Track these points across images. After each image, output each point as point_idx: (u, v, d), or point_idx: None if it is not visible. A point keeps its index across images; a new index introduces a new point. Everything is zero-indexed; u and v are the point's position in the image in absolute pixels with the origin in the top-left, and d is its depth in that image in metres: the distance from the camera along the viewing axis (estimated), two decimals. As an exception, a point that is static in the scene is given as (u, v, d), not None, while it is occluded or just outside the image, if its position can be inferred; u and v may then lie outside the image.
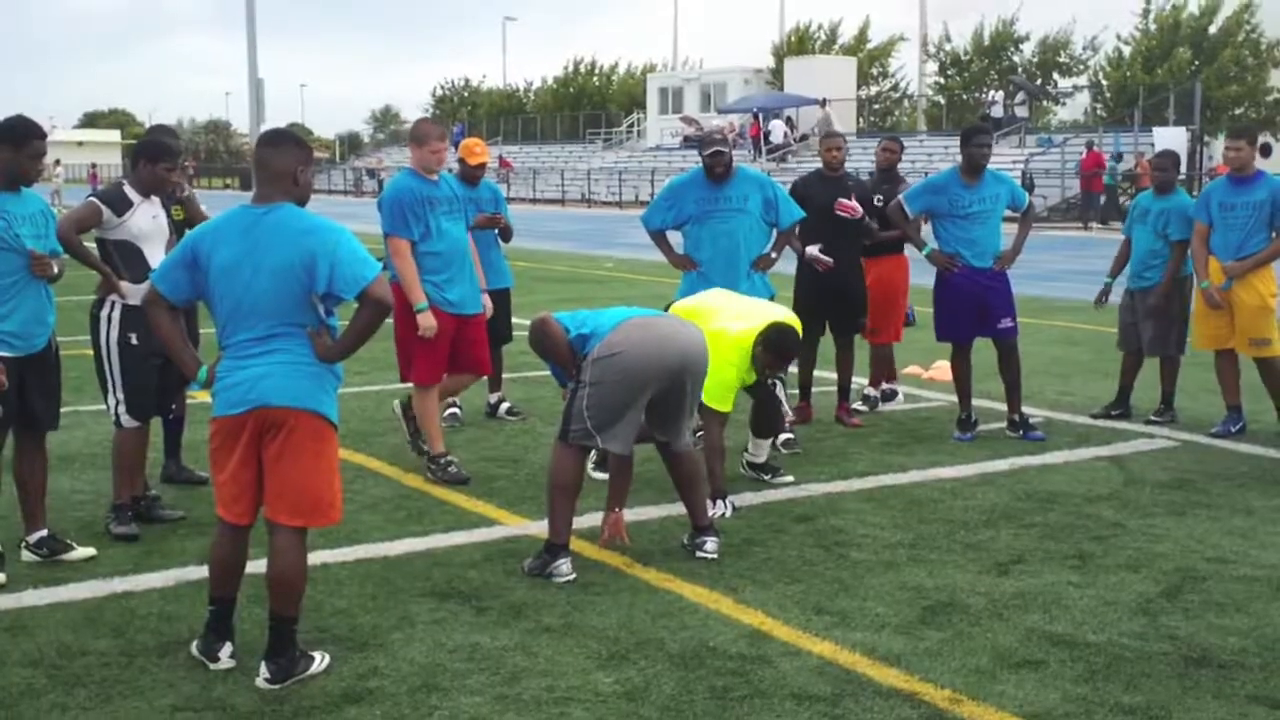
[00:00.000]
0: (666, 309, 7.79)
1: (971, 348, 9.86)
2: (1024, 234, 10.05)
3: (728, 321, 7.47)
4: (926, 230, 10.10)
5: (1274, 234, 9.47)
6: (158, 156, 7.16)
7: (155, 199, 7.24)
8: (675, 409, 6.68)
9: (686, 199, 9.20)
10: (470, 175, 10.06)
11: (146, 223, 7.11)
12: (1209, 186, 10.15)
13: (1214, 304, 9.66)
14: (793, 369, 9.66)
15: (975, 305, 9.65)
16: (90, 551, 6.74)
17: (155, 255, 7.06)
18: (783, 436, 9.07)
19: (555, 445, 6.62)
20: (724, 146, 9.13)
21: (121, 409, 7.13)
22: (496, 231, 10.22)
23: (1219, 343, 9.82)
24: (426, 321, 8.20)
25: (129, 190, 7.14)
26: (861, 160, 37.70)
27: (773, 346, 7.44)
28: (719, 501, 7.48)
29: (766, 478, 8.43)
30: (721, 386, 7.28)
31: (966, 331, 9.79)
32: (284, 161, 5.17)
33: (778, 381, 8.23)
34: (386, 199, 8.45)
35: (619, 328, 6.53)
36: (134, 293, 6.94)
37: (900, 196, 10.04)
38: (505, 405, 10.49)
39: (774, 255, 9.27)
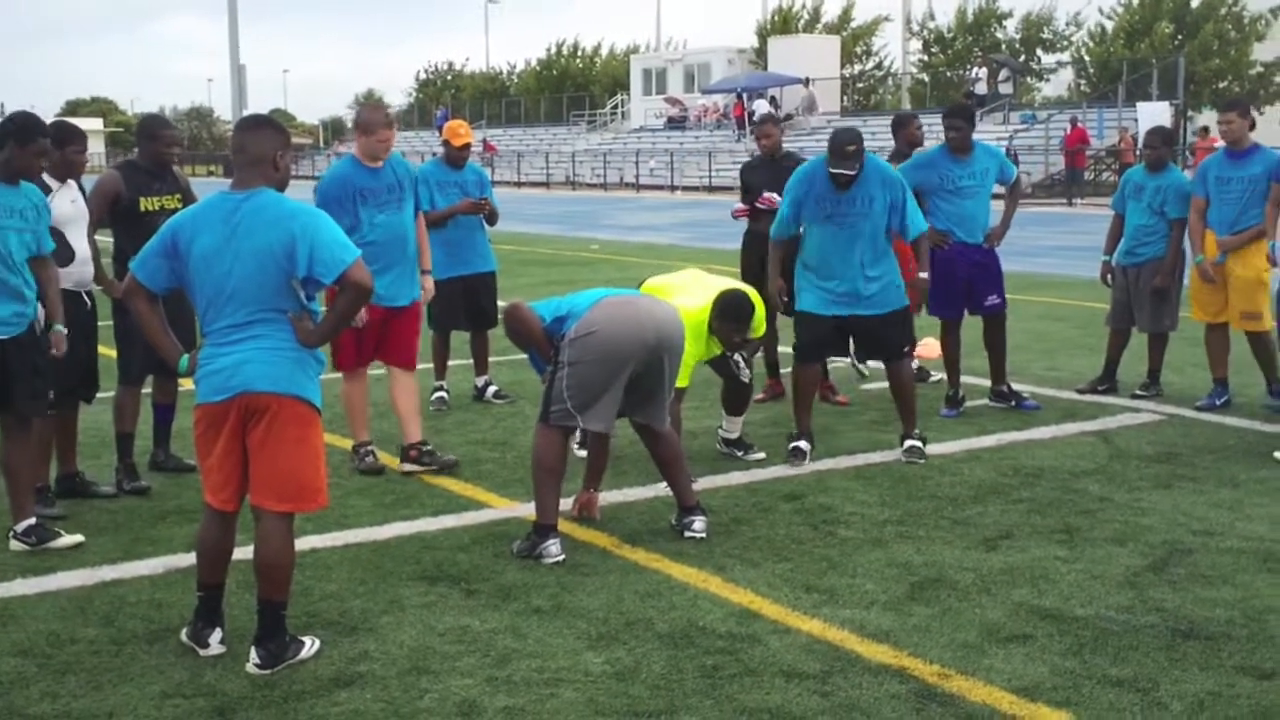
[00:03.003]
0: (639, 286, 7.89)
1: (961, 324, 9.87)
2: (1012, 209, 10.06)
3: (683, 298, 7.50)
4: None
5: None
6: (66, 140, 7.25)
7: (71, 183, 7.33)
8: (654, 387, 6.69)
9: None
10: (455, 157, 10.06)
11: (65, 207, 7.19)
12: (1206, 161, 10.11)
13: (1207, 278, 9.66)
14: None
15: (963, 281, 9.64)
16: (78, 539, 6.73)
17: (76, 238, 7.23)
18: (791, 445, 8.46)
19: (537, 427, 6.63)
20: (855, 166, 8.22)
21: None
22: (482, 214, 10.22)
23: (1214, 316, 9.83)
24: None
25: (46, 178, 7.16)
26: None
27: (725, 313, 7.53)
28: None
29: (740, 454, 8.46)
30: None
31: (958, 308, 9.79)
32: (263, 147, 5.16)
33: (741, 362, 8.18)
34: (320, 187, 8.28)
35: (595, 306, 6.54)
36: (59, 277, 7.04)
37: None
38: (492, 389, 10.48)
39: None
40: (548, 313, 6.65)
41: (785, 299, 8.68)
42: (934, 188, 9.60)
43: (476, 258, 10.14)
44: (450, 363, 10.44)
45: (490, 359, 10.63)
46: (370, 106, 8.87)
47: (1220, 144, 10.37)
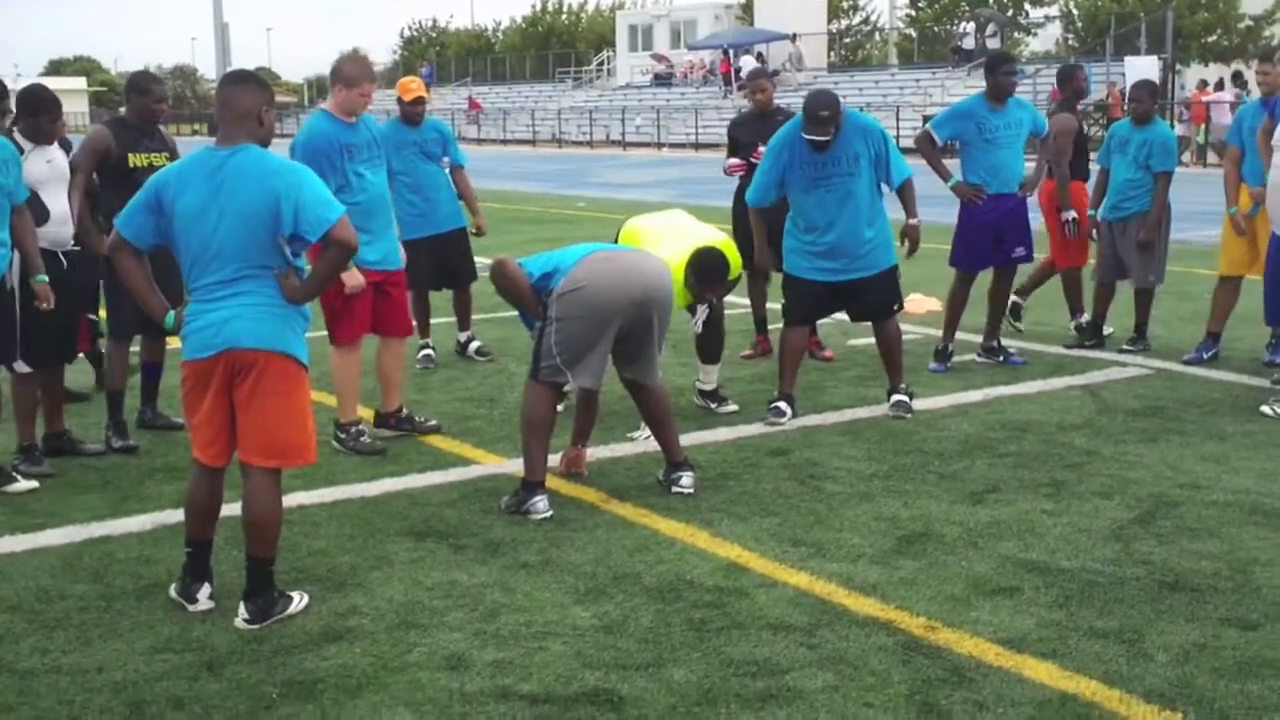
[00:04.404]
0: (621, 227, 7.87)
1: (975, 279, 9.85)
2: (1043, 161, 10.07)
3: (662, 247, 7.49)
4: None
5: None
6: (39, 110, 7.30)
7: (50, 145, 7.36)
8: (642, 343, 6.68)
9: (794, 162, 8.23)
10: (410, 114, 9.81)
11: (40, 168, 7.23)
12: (1241, 109, 10.01)
13: (1240, 230, 9.57)
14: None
15: (993, 234, 9.61)
16: (33, 485, 6.91)
17: (53, 199, 7.28)
18: (772, 404, 8.38)
19: (527, 383, 6.64)
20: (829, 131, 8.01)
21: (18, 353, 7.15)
22: (448, 171, 10.07)
23: (1243, 268, 9.76)
24: (353, 280, 7.42)
25: (19, 138, 7.21)
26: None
27: (703, 276, 7.50)
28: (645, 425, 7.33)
29: (714, 406, 8.47)
30: None
31: (982, 260, 9.77)
32: (248, 101, 5.12)
33: (713, 300, 8.08)
34: (300, 145, 7.53)
35: (582, 262, 6.52)
36: (34, 228, 7.07)
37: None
38: (475, 345, 10.43)
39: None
40: (535, 269, 6.63)
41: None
42: (971, 138, 9.54)
43: (443, 216, 9.94)
44: (434, 320, 10.40)
45: (474, 315, 10.58)
46: (352, 59, 8.22)
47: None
